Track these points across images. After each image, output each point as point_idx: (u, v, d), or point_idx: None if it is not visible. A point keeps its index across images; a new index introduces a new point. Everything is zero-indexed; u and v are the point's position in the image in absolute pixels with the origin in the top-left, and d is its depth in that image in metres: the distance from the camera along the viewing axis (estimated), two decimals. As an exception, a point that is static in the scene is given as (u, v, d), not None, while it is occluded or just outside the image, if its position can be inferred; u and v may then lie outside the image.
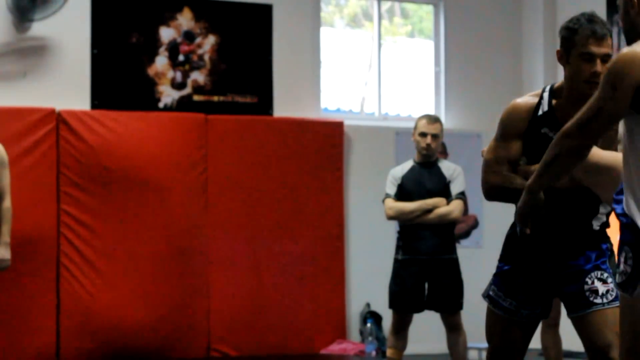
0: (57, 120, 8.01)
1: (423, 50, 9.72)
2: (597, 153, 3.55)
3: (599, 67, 3.66)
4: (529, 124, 3.78)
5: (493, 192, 3.86)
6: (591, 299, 3.76)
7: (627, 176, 2.93)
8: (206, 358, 8.25)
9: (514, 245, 3.87)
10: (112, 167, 8.04)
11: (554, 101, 3.78)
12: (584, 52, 3.69)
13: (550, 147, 3.16)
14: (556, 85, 3.84)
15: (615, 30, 8.07)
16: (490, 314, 3.89)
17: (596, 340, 3.72)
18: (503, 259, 3.90)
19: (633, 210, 2.88)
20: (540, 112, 3.78)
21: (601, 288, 3.75)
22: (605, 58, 3.66)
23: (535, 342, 7.92)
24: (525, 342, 3.89)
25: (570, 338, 6.45)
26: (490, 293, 3.88)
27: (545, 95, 3.81)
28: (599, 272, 3.77)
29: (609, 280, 3.76)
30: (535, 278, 3.82)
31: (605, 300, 3.74)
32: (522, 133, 3.78)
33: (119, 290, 8.00)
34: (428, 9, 9.73)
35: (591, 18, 3.74)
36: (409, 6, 9.84)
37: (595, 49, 3.68)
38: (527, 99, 3.86)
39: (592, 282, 3.76)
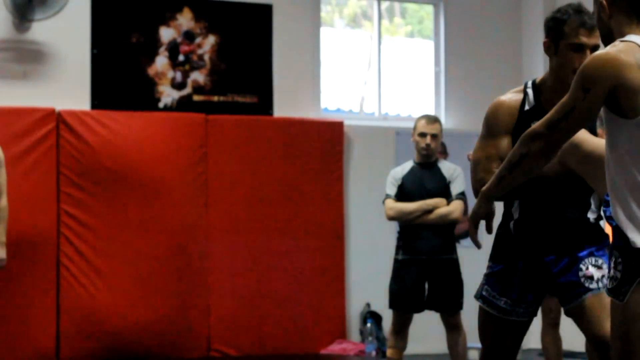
0: (57, 120, 8.01)
1: (423, 50, 9.72)
2: (590, 141, 3.52)
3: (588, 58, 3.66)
4: (517, 120, 3.74)
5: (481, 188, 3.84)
6: (587, 284, 3.71)
7: (610, 181, 2.92)
8: (206, 358, 8.25)
9: (506, 243, 3.83)
10: (112, 167, 8.04)
11: (539, 95, 3.76)
12: (573, 43, 3.67)
13: (515, 148, 3.10)
14: (538, 79, 3.82)
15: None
16: (483, 314, 3.85)
17: (595, 329, 3.68)
18: (494, 258, 3.86)
19: (620, 216, 2.87)
20: (527, 107, 3.75)
21: (596, 273, 3.71)
22: (595, 49, 3.61)
23: (536, 342, 7.93)
24: (518, 341, 3.85)
25: (570, 338, 6.47)
26: (484, 293, 3.83)
27: (529, 90, 3.78)
28: (594, 259, 3.73)
29: (604, 266, 3.72)
30: (531, 274, 3.78)
31: (600, 285, 3.69)
32: (510, 129, 3.74)
33: (119, 290, 8.00)
34: (428, 9, 9.73)
35: (579, 9, 3.72)
36: (409, 6, 9.84)
37: (585, 40, 3.65)
38: (511, 96, 3.82)
39: (587, 268, 3.72)
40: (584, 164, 3.49)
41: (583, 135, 3.54)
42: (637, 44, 2.85)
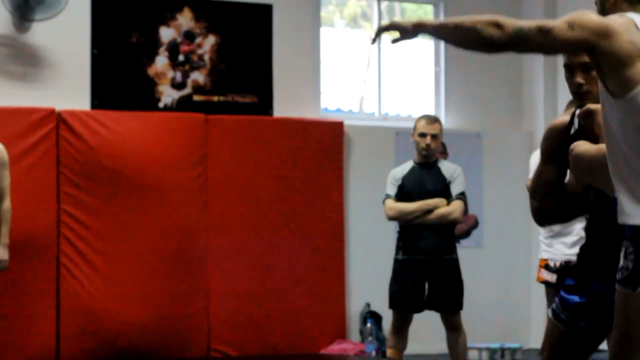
0: (57, 120, 8.01)
1: (423, 50, 9.72)
2: (589, 150, 3.41)
3: (578, 77, 3.47)
4: (562, 143, 3.60)
5: (537, 215, 3.72)
6: None
7: (612, 168, 2.90)
8: (206, 358, 8.25)
9: (580, 261, 3.70)
10: (112, 167, 8.04)
11: None
12: (564, 64, 3.54)
13: (476, 17, 3.00)
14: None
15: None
16: (550, 325, 3.74)
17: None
18: (574, 273, 3.74)
19: (626, 201, 2.86)
20: (572, 131, 3.61)
21: None
22: (585, 66, 3.44)
23: (536, 342, 7.92)
24: (582, 356, 3.71)
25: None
26: (553, 305, 3.74)
27: (576, 112, 3.63)
28: None
29: None
30: (593, 298, 3.62)
31: None
32: (556, 156, 3.61)
33: (119, 290, 8.00)
34: (428, 8, 9.73)
35: None
36: (409, 6, 9.84)
37: (572, 59, 3.49)
38: (561, 119, 3.69)
39: None
40: (589, 174, 3.43)
41: (582, 146, 3.43)
42: (634, 22, 2.88)
